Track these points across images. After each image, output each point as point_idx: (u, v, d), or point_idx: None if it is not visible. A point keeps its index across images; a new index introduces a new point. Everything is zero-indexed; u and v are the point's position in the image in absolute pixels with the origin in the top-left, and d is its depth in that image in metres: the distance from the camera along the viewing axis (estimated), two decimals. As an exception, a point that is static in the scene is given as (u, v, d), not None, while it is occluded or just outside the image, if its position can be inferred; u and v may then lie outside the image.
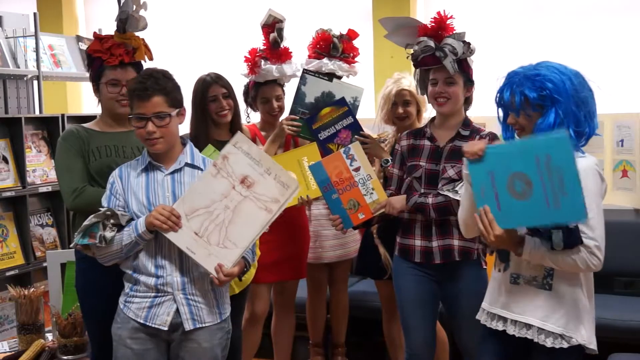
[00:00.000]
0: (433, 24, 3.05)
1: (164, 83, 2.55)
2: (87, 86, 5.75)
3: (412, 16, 4.87)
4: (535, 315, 2.38)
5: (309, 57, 3.84)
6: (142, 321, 2.56)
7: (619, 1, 4.52)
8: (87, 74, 4.88)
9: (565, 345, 2.34)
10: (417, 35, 3.08)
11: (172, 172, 2.60)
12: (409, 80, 3.56)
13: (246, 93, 3.73)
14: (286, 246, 3.67)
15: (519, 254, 2.33)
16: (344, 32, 3.83)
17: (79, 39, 5.20)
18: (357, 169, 3.12)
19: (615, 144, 4.14)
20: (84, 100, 6.09)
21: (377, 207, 3.10)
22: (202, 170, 2.61)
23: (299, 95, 3.56)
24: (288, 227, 3.61)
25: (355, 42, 3.89)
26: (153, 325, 2.55)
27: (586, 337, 2.37)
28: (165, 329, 2.55)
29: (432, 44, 2.99)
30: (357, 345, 4.48)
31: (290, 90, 3.67)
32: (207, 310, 2.59)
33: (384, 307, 3.89)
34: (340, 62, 3.74)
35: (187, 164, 2.62)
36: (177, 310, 2.55)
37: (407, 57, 3.14)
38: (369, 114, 4.78)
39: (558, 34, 4.57)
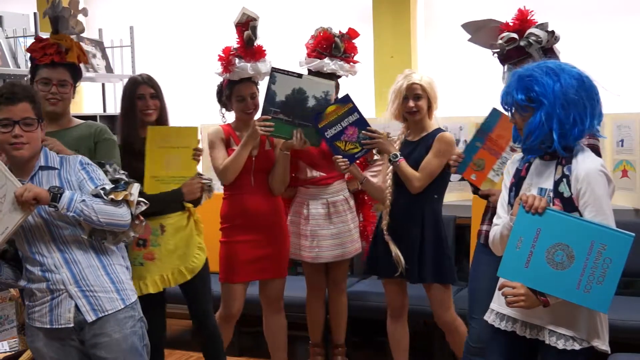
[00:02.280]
0: (515, 21, 3.07)
1: (31, 92, 2.62)
2: (88, 86, 5.86)
3: (412, 16, 4.87)
4: (547, 318, 2.37)
5: (309, 55, 3.86)
6: (48, 326, 2.58)
7: (619, 2, 4.51)
8: (87, 74, 5.03)
9: (577, 347, 2.35)
10: (499, 34, 3.10)
11: (30, 178, 2.62)
12: (419, 75, 3.56)
13: (220, 92, 3.73)
14: (263, 246, 3.68)
15: (547, 305, 2.32)
16: (344, 31, 3.84)
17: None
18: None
19: (615, 144, 4.13)
20: (84, 99, 6.08)
21: (487, 188, 3.08)
22: (58, 169, 2.65)
23: (270, 95, 3.51)
24: (264, 227, 3.66)
25: (355, 42, 3.91)
26: (59, 327, 2.57)
27: (599, 339, 2.37)
28: (71, 325, 2.56)
29: (515, 35, 3.00)
30: (357, 345, 4.47)
31: (263, 89, 3.66)
32: (106, 298, 2.60)
33: (390, 307, 3.84)
34: (342, 62, 3.78)
35: (41, 167, 2.64)
36: (77, 307, 2.56)
37: (493, 55, 3.16)
38: (369, 113, 4.81)
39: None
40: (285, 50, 5.06)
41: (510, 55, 3.04)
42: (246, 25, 3.57)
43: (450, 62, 4.92)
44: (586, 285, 2.23)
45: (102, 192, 2.58)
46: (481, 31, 3.19)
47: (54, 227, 2.58)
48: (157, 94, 3.39)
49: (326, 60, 3.75)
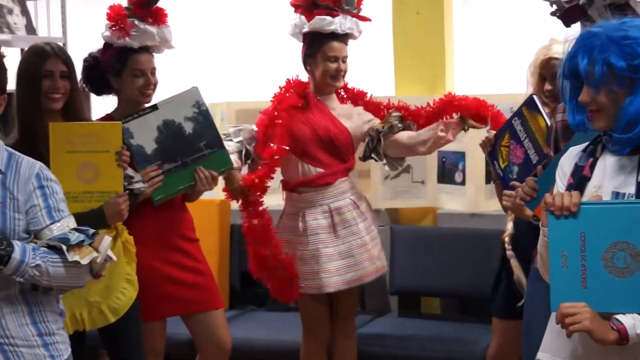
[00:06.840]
0: None
1: None
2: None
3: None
4: None
5: (307, 17, 3.41)
6: None
7: None
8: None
9: None
10: None
11: None
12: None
13: (92, 68, 3.24)
14: (178, 273, 3.28)
15: (622, 344, 2.02)
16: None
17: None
18: None
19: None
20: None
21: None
22: (2, 174, 2.32)
23: (137, 152, 3.09)
24: (175, 252, 3.28)
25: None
26: None
27: None
28: None
29: None
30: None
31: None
32: (30, 354, 2.36)
33: (492, 356, 3.38)
34: (355, 18, 3.45)
35: None
36: None
37: (551, 14, 2.97)
38: (388, 90, 4.45)
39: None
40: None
41: (571, 16, 2.89)
42: None
43: (495, 19, 4.50)
44: None
45: (64, 247, 2.29)
46: None
47: None
48: (70, 73, 2.95)
49: (338, 18, 3.37)
